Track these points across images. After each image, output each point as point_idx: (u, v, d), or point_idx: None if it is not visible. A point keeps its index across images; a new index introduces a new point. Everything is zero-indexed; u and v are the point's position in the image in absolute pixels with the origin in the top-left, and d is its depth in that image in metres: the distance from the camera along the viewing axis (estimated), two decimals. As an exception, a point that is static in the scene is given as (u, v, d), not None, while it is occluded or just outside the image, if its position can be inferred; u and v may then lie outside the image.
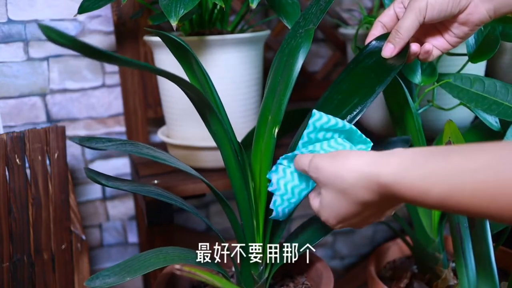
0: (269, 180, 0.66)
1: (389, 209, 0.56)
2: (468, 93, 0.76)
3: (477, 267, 0.67)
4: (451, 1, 0.62)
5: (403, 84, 0.77)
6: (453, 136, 0.71)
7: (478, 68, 0.99)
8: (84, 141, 0.66)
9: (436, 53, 0.70)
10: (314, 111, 0.62)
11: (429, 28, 0.70)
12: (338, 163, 0.52)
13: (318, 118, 0.62)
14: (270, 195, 0.73)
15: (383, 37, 0.69)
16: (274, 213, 0.66)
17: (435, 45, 0.70)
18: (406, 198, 0.46)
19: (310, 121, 0.62)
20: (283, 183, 0.64)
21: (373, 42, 0.69)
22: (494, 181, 0.39)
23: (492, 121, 0.78)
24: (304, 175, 0.63)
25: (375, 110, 1.03)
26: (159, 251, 0.69)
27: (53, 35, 0.45)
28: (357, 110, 0.67)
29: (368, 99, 0.67)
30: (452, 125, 0.71)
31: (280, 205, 0.65)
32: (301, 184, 0.64)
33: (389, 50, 0.66)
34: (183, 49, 0.65)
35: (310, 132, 0.63)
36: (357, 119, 0.67)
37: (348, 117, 0.67)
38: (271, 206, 0.66)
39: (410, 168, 0.46)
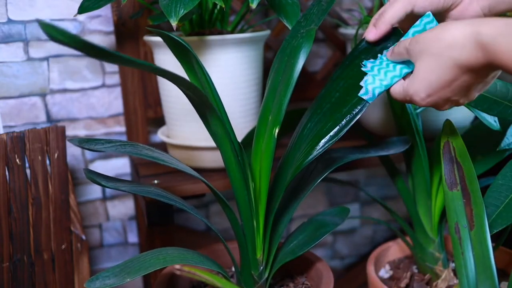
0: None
1: (480, 83, 0.56)
2: (468, 93, 0.76)
3: (476, 267, 0.67)
4: None
5: None
6: (451, 136, 0.71)
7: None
8: (83, 143, 0.66)
9: None
10: (429, 13, 0.62)
11: None
12: (439, 29, 0.54)
13: (430, 21, 0.62)
14: (270, 195, 0.73)
15: None
16: (363, 91, 0.65)
17: None
18: (503, 60, 0.47)
19: (423, 22, 0.62)
20: (377, 68, 0.65)
21: None
22: None
23: (492, 120, 0.77)
24: (398, 64, 0.64)
25: (375, 110, 1.03)
26: (159, 251, 0.69)
27: (54, 32, 0.45)
28: (357, 109, 0.66)
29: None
30: (450, 125, 0.71)
31: (371, 84, 0.65)
32: (395, 71, 0.64)
33: (371, 32, 0.65)
34: (183, 49, 0.65)
35: (417, 31, 0.62)
36: (357, 118, 0.66)
37: (348, 117, 0.67)
38: (361, 83, 0.66)
39: None
